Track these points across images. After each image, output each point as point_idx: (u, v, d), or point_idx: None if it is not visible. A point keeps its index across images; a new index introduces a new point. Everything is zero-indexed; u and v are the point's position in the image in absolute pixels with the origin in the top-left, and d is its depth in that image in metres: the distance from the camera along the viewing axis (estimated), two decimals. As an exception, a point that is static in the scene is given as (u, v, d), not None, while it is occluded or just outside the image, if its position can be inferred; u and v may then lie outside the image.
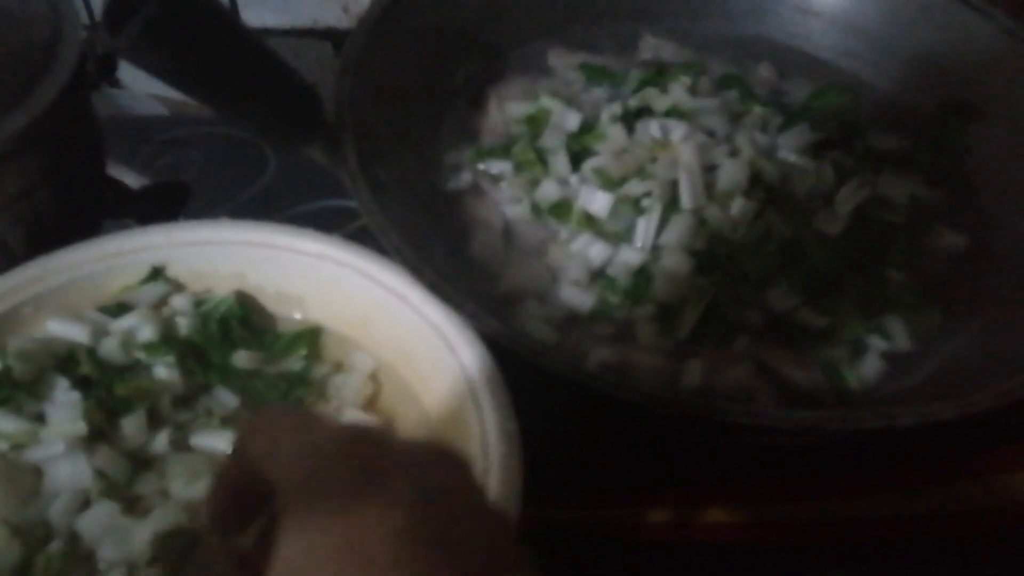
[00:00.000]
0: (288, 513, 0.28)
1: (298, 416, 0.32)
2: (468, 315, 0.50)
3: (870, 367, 0.59)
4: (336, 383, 0.57)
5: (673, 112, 0.70)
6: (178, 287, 0.59)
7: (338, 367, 0.58)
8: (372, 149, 0.61)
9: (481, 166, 0.70)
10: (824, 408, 0.57)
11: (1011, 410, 0.50)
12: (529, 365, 0.49)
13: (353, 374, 0.57)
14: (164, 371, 0.54)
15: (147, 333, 0.54)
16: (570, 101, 0.73)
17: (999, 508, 0.60)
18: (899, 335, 0.61)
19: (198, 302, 0.58)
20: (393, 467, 0.29)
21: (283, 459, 0.30)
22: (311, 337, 0.58)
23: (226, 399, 0.55)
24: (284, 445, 0.30)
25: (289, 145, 0.57)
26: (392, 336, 0.58)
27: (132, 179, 0.77)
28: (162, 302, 0.58)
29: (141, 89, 0.97)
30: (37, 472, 0.50)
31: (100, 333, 0.56)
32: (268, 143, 0.70)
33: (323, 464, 0.29)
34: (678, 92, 0.71)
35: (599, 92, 0.76)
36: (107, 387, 0.52)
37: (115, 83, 0.99)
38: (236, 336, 0.57)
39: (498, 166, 0.69)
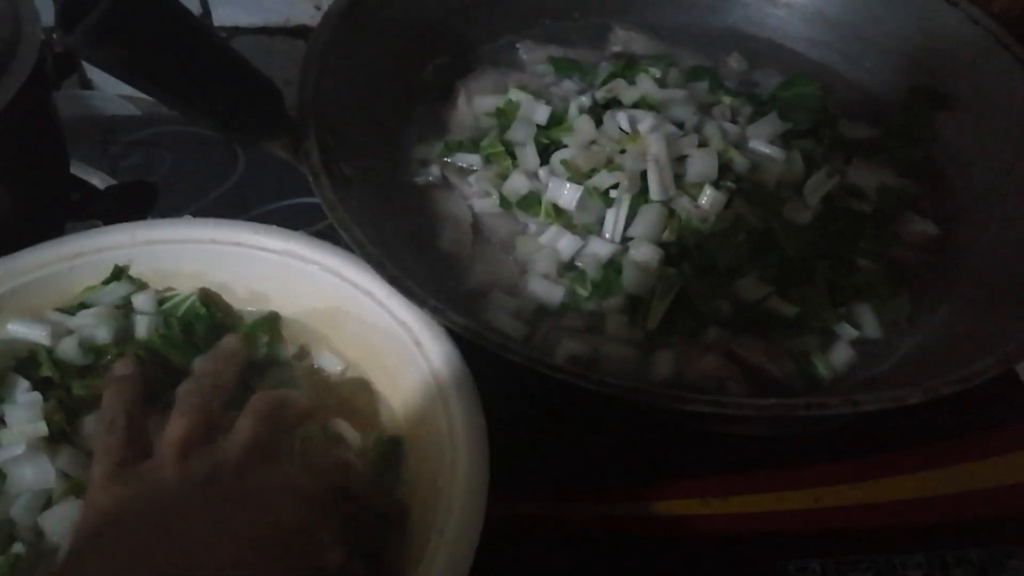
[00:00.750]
0: None
1: None
2: (431, 310, 0.50)
3: (840, 355, 0.59)
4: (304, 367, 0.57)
5: (642, 103, 0.70)
6: (141, 286, 0.58)
7: (305, 351, 0.58)
8: (337, 144, 0.60)
9: (449, 160, 0.69)
10: (792, 396, 0.57)
11: (977, 396, 0.50)
12: (497, 359, 0.49)
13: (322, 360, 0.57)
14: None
15: (103, 333, 0.54)
16: (539, 94, 0.72)
17: (967, 494, 0.60)
18: (868, 323, 0.61)
19: (161, 301, 0.57)
20: None
21: None
22: (270, 323, 0.58)
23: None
24: None
25: (250, 141, 0.56)
26: (358, 333, 0.57)
27: (100, 180, 0.77)
28: (126, 302, 0.58)
29: (112, 90, 0.96)
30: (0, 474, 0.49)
31: (59, 334, 0.55)
32: (230, 139, 0.69)
33: None
34: (646, 83, 0.71)
35: (569, 84, 0.75)
36: (66, 388, 0.51)
37: (86, 84, 0.98)
38: (199, 335, 0.56)
39: (467, 159, 0.69)
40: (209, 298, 0.58)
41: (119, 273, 0.57)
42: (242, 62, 0.53)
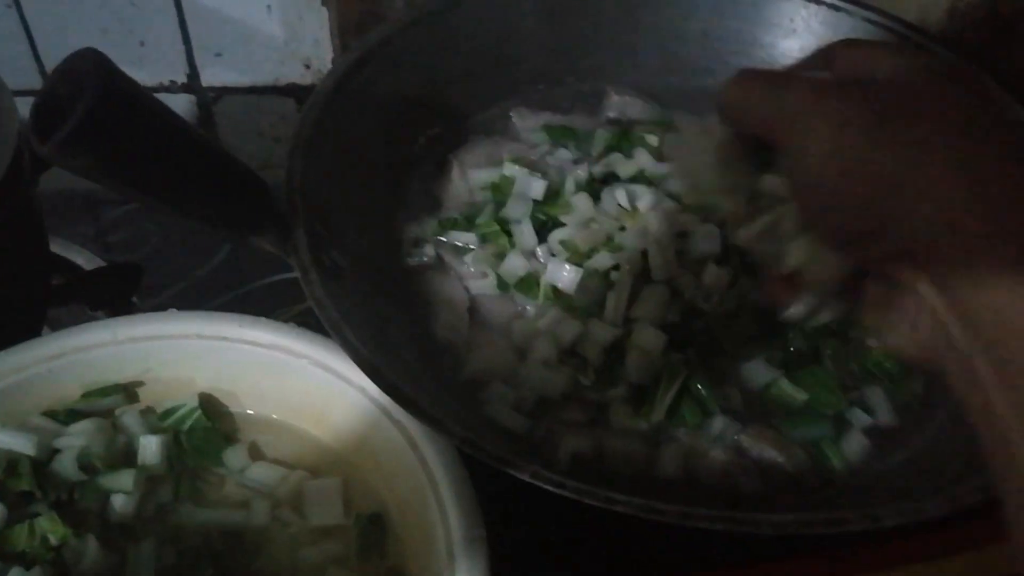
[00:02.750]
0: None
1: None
2: (428, 422, 0.47)
3: (853, 444, 0.57)
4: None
5: (639, 178, 0.68)
6: (131, 396, 0.56)
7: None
8: (326, 231, 0.58)
9: (444, 239, 0.67)
10: (806, 492, 0.54)
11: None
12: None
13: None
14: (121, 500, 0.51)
15: (99, 448, 0.52)
16: (534, 166, 0.70)
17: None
18: (881, 408, 0.59)
19: (163, 414, 0.55)
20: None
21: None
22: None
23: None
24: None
25: (237, 237, 0.54)
26: (352, 431, 0.55)
27: (84, 259, 0.75)
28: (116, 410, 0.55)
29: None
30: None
31: (46, 443, 0.53)
32: (216, 235, 0.67)
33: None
34: (643, 157, 0.69)
35: (564, 153, 0.73)
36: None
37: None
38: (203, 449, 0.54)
39: (462, 238, 0.67)
40: (209, 404, 0.56)
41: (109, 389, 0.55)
42: (227, 159, 0.51)
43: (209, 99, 0.97)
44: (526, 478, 0.45)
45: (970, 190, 0.33)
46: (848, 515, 0.44)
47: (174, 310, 0.58)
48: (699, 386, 0.57)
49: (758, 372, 0.59)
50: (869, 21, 0.73)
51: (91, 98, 0.41)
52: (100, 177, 0.46)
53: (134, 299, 0.71)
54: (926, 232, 0.34)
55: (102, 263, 0.74)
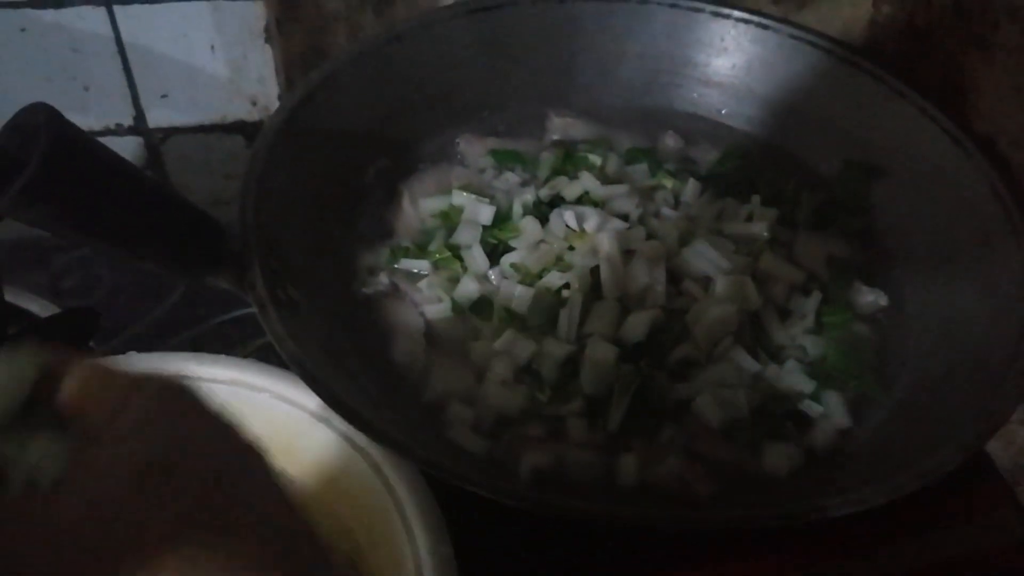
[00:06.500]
0: None
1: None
2: (391, 446, 0.49)
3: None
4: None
5: (585, 200, 0.70)
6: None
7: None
8: (282, 267, 0.60)
9: (397, 266, 0.69)
10: (758, 489, 0.57)
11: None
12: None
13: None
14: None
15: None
16: (482, 192, 0.72)
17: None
18: (836, 410, 0.61)
19: None
20: None
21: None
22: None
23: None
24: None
25: (193, 278, 0.55)
26: (316, 461, 0.56)
27: (38, 306, 0.74)
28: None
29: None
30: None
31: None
32: (172, 278, 0.68)
33: None
34: (588, 180, 0.71)
35: (511, 176, 0.75)
36: None
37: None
38: None
39: (415, 265, 0.69)
40: None
41: None
42: (179, 201, 0.52)
43: (157, 140, 0.97)
44: (487, 494, 0.47)
45: None
46: (796, 508, 0.47)
47: (133, 353, 0.59)
48: (648, 394, 0.59)
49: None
50: (795, 38, 0.77)
51: (44, 150, 0.42)
52: (54, 226, 0.46)
53: (91, 344, 0.71)
54: None
55: (56, 310, 0.74)
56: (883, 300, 0.68)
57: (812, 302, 0.65)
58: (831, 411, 0.60)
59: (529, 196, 0.70)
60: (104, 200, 0.47)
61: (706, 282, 0.65)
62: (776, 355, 0.63)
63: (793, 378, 0.61)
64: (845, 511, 0.47)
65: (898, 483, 0.48)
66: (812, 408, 0.60)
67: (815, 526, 0.48)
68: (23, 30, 0.85)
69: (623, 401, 0.59)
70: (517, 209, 0.70)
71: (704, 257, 0.66)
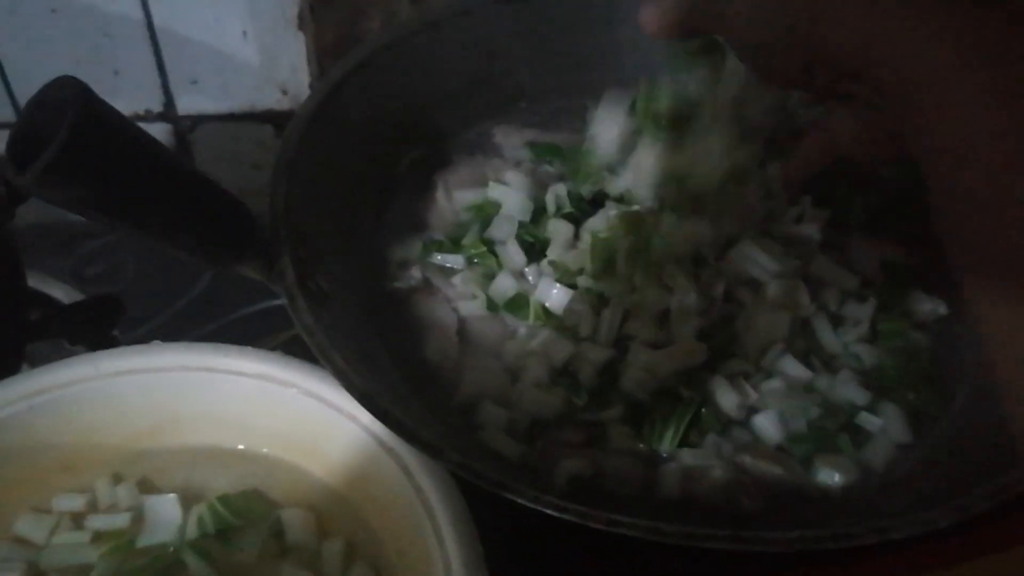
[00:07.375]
0: None
1: None
2: (423, 448, 0.46)
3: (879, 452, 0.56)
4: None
5: (628, 197, 0.67)
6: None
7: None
8: (312, 256, 0.57)
9: (431, 260, 0.66)
10: (809, 505, 0.54)
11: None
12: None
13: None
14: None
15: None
16: (520, 186, 0.69)
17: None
18: (895, 424, 0.58)
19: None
20: None
21: None
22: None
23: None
24: None
25: (221, 266, 0.53)
26: (344, 462, 0.54)
27: (62, 292, 0.73)
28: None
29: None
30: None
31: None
32: (199, 264, 0.66)
33: None
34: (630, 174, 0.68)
35: (550, 168, 0.73)
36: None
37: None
38: None
39: (449, 259, 0.66)
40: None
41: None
42: (210, 185, 0.50)
43: (185, 127, 0.96)
44: (527, 503, 0.44)
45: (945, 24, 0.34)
46: (855, 530, 0.44)
47: (158, 342, 0.56)
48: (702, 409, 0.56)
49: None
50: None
51: (71, 125, 0.39)
52: (79, 207, 0.44)
53: (115, 332, 0.69)
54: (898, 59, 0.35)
55: (80, 296, 0.72)
56: (942, 308, 0.64)
57: (867, 309, 0.62)
58: (890, 424, 0.57)
59: (562, 192, 0.67)
60: (133, 180, 0.45)
61: (755, 286, 0.62)
62: (828, 364, 0.60)
63: (847, 389, 0.58)
64: (909, 533, 0.44)
65: (966, 503, 0.45)
66: (870, 422, 0.57)
67: (872, 548, 0.45)
68: (53, 11, 0.83)
69: (680, 425, 0.56)
70: (550, 207, 0.67)
71: (751, 260, 0.63)
